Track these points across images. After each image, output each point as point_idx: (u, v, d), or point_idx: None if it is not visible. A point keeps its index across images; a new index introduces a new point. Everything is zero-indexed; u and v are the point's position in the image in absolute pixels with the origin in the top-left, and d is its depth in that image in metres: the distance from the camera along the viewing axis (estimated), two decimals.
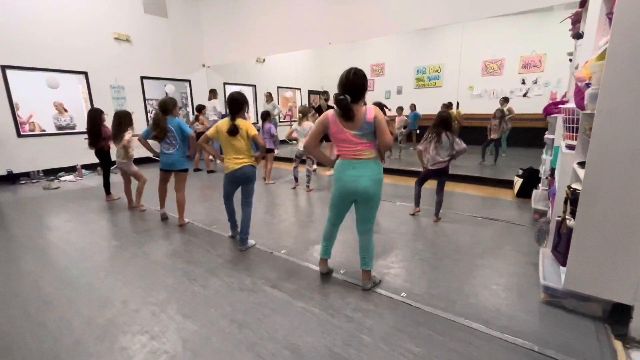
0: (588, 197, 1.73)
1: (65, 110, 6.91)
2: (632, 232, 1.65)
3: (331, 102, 6.23)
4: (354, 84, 1.97)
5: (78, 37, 6.57)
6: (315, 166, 6.36)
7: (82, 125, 5.89)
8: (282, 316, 1.97)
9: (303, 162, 5.27)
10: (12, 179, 5.92)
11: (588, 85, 1.89)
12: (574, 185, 1.99)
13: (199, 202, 4.49)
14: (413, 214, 3.80)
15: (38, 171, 6.25)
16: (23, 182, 5.97)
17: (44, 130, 6.86)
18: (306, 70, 12.41)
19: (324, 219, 2.59)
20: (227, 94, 2.84)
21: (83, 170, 6.47)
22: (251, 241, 3.02)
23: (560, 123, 2.91)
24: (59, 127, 6.82)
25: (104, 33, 6.95)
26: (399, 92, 11.71)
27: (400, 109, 8.31)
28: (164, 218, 3.74)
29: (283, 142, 9.62)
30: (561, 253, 2.03)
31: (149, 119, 7.90)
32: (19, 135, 6.08)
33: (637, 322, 1.68)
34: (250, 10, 7.65)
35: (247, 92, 9.90)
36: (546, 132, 4.04)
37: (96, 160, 4.56)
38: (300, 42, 7.15)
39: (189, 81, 8.76)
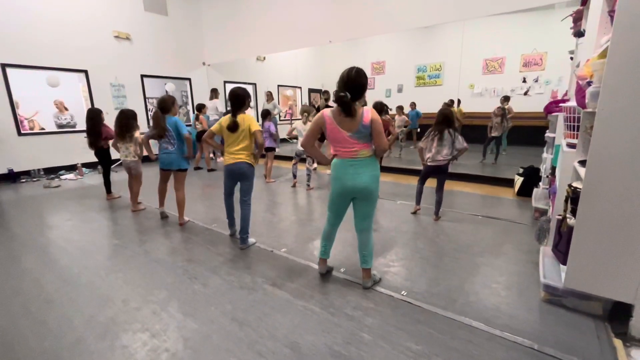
0: (589, 195, 1.73)
1: (66, 109, 6.91)
2: (633, 231, 1.64)
3: (331, 103, 6.23)
4: (355, 83, 1.97)
5: (78, 35, 6.57)
6: (315, 165, 6.36)
7: (82, 123, 5.88)
8: (283, 314, 1.98)
9: (303, 160, 5.27)
10: (12, 177, 5.92)
11: (589, 83, 1.88)
12: (574, 184, 1.99)
13: (199, 201, 4.50)
14: (414, 213, 3.80)
15: (38, 170, 6.27)
16: (24, 180, 5.98)
17: (44, 129, 6.87)
18: (306, 69, 12.39)
19: (324, 218, 2.59)
20: (229, 91, 2.85)
21: (83, 169, 6.48)
22: (251, 239, 3.02)
23: (561, 121, 2.91)
24: (60, 126, 6.82)
25: (104, 31, 6.94)
26: (400, 90, 11.68)
27: (400, 108, 8.29)
28: (164, 217, 3.75)
29: (283, 140, 9.62)
30: (561, 252, 2.03)
31: (149, 117, 7.91)
32: (20, 133, 6.08)
33: (638, 320, 1.68)
34: (251, 8, 7.63)
35: (248, 91, 9.89)
36: (547, 131, 4.04)
37: (96, 159, 4.56)
38: (301, 40, 7.13)
39: (189, 79, 8.76)
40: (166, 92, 8.10)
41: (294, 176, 5.32)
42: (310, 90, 12.80)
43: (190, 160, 3.55)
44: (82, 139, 4.94)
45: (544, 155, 4.07)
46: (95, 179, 6.04)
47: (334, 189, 2.18)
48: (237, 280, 2.39)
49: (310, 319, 1.94)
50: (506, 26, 9.13)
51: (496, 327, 1.83)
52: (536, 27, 8.79)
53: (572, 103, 2.34)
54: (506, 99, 7.39)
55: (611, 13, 1.75)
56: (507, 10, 4.91)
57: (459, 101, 9.53)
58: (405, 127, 8.29)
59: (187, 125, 3.84)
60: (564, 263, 1.93)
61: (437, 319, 1.92)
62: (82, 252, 2.93)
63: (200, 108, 6.86)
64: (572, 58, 4.46)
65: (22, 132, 6.15)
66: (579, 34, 3.50)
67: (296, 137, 5.19)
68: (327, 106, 5.92)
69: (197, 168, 6.82)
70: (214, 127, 2.87)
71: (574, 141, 2.29)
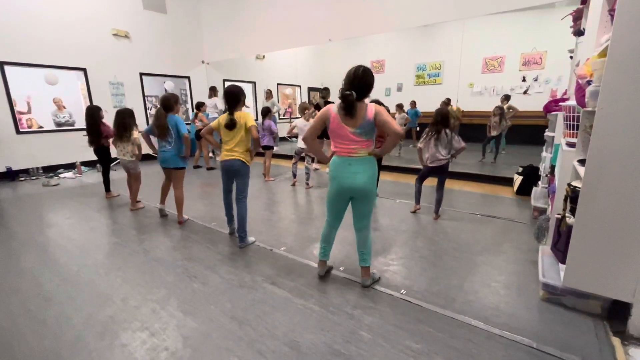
0: (588, 194, 1.73)
1: (64, 107, 6.88)
2: (632, 230, 1.65)
3: (330, 99, 6.21)
4: (361, 82, 1.96)
5: (77, 33, 6.53)
6: (315, 164, 6.35)
7: (81, 121, 5.87)
8: (282, 313, 1.98)
9: (302, 159, 5.26)
10: (11, 175, 5.91)
11: (589, 82, 1.88)
12: (574, 183, 1.99)
13: (198, 199, 4.49)
14: (413, 212, 3.81)
15: (37, 168, 6.25)
16: (22, 178, 5.96)
17: (42, 127, 6.84)
18: (306, 67, 12.35)
19: (323, 216, 2.59)
20: (224, 89, 2.86)
21: (82, 167, 6.47)
22: (251, 238, 3.02)
23: (561, 120, 2.91)
24: (58, 124, 6.79)
25: (102, 29, 6.91)
26: (399, 89, 11.67)
27: (399, 107, 8.29)
28: (163, 215, 3.75)
29: (282, 139, 9.60)
30: (560, 251, 2.03)
31: (149, 115, 7.88)
32: (18, 132, 6.06)
33: (636, 319, 1.69)
34: (250, 7, 7.60)
35: (247, 89, 9.84)
36: (546, 130, 4.03)
37: (95, 157, 4.55)
38: (300, 39, 7.11)
39: (189, 78, 8.73)
40: (165, 90, 8.08)
41: (294, 175, 5.32)
42: (310, 89, 12.78)
43: (188, 159, 3.55)
44: (81, 137, 4.93)
45: (544, 154, 4.07)
46: (94, 177, 6.03)
47: (331, 189, 2.18)
48: (236, 278, 2.39)
49: (310, 317, 1.94)
50: (506, 25, 9.12)
51: (495, 326, 1.83)
52: (536, 26, 8.78)
53: (572, 102, 2.34)
54: (506, 97, 7.39)
55: (611, 12, 1.74)
56: (507, 9, 4.89)
57: (457, 100, 9.51)
58: (404, 125, 8.29)
59: (186, 124, 3.82)
60: (563, 262, 1.94)
61: (436, 317, 1.93)
62: (81, 250, 2.93)
63: (199, 106, 6.84)
64: (571, 57, 4.45)
65: (21, 130, 6.13)
66: (578, 32, 3.49)
67: (296, 136, 5.18)
68: (325, 102, 5.92)
69: (197, 166, 6.81)
70: (213, 124, 2.90)
71: (574, 140, 2.29)
